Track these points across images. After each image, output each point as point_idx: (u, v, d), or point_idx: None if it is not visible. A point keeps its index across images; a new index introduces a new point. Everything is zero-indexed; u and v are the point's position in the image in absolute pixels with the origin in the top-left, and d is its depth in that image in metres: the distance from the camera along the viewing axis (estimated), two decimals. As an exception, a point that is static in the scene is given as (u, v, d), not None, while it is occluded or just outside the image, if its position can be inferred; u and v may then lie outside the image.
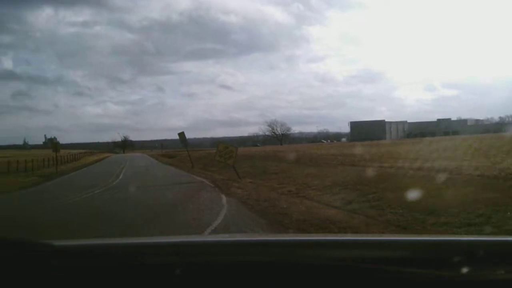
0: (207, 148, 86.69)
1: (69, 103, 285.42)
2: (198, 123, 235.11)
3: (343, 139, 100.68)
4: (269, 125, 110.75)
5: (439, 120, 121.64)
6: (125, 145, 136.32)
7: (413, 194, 9.89)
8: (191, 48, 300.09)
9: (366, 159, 24.25)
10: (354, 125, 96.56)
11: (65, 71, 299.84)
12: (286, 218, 9.49)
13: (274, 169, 27.29)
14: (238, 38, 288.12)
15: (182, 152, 75.10)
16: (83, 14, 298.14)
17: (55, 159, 34.51)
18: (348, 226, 8.25)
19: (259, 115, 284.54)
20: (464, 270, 1.29)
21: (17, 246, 1.41)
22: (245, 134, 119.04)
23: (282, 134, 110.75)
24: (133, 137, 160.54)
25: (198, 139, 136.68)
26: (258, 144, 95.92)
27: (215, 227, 8.60)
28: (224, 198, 13.42)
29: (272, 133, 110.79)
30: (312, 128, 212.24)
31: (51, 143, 45.09)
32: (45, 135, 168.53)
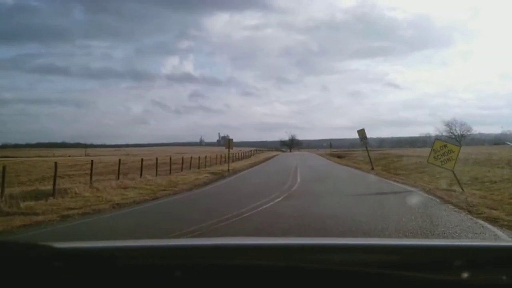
0: (374, 148, 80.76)
1: (239, 103, 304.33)
2: (363, 123, 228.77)
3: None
4: (447, 125, 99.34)
5: None
6: (292, 143, 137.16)
7: None
8: (358, 47, 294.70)
9: None
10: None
11: (236, 72, 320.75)
12: None
13: (488, 176, 21.29)
14: (407, 35, 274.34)
15: (350, 152, 70.80)
16: (254, 18, 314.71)
17: (227, 157, 33.20)
18: None
19: (428, 114, 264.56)
20: (465, 274, 1.26)
21: (18, 248, 1.41)
22: (414, 134, 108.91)
23: (461, 135, 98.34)
24: (298, 136, 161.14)
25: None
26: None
27: None
28: (495, 231, 8.22)
29: (450, 134, 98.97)
30: (492, 129, 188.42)
31: (224, 141, 45.46)
32: (218, 133, 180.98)
